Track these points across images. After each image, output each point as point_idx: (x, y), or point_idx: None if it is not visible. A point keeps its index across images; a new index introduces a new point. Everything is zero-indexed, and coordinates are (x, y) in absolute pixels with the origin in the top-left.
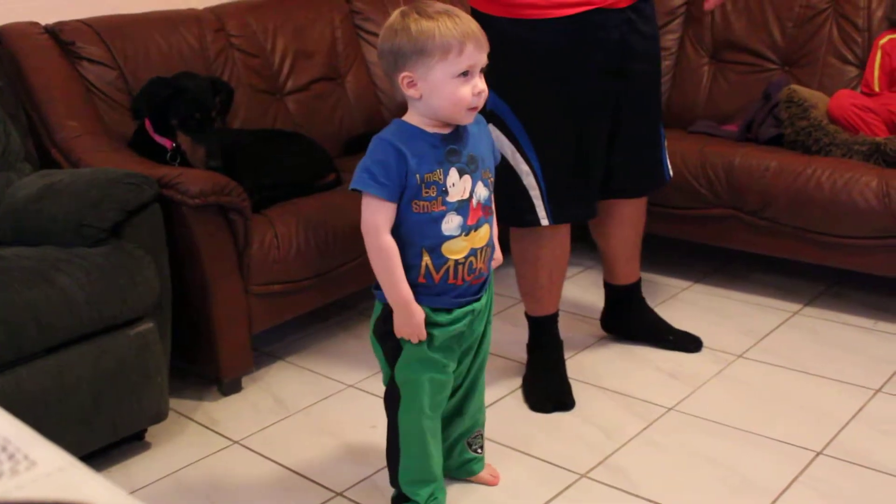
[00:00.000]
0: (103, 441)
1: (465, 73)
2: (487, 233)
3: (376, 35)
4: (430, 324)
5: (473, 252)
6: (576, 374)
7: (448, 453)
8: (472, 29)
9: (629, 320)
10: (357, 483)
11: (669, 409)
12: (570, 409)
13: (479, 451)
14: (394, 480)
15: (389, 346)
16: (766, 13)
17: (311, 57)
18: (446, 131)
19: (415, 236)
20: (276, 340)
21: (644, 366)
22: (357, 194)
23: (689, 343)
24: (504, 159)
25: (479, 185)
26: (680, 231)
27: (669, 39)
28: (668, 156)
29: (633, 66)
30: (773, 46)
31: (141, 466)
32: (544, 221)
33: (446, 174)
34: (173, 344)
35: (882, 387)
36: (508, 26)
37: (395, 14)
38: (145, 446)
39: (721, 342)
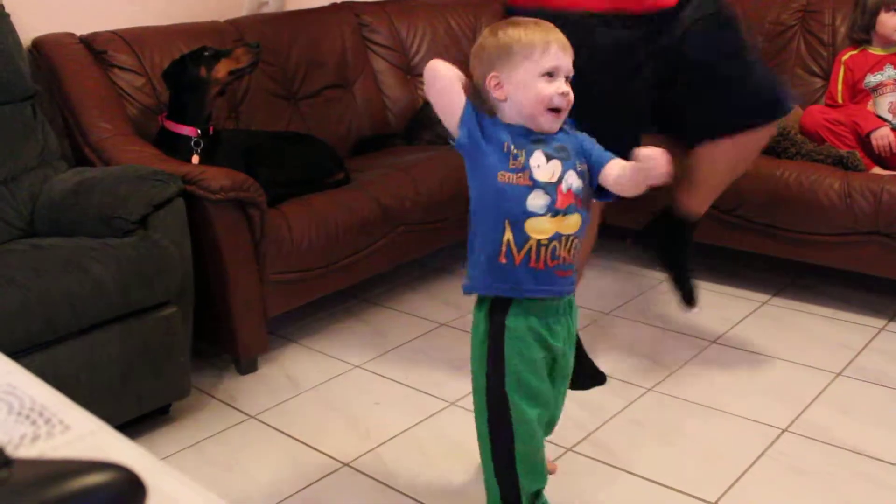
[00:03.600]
0: (131, 414)
1: (549, 74)
2: (578, 223)
3: (383, 46)
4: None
5: (558, 236)
6: None
7: None
8: (557, 33)
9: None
10: (362, 455)
11: (648, 389)
12: (605, 383)
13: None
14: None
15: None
16: None
17: (322, 65)
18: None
19: (500, 206)
20: (289, 324)
21: (626, 350)
22: (359, 196)
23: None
24: None
25: (571, 172)
26: None
27: None
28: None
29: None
30: None
31: (165, 438)
32: None
33: (530, 155)
34: (195, 327)
35: (842, 370)
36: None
37: (487, 31)
38: (169, 420)
39: (696, 329)
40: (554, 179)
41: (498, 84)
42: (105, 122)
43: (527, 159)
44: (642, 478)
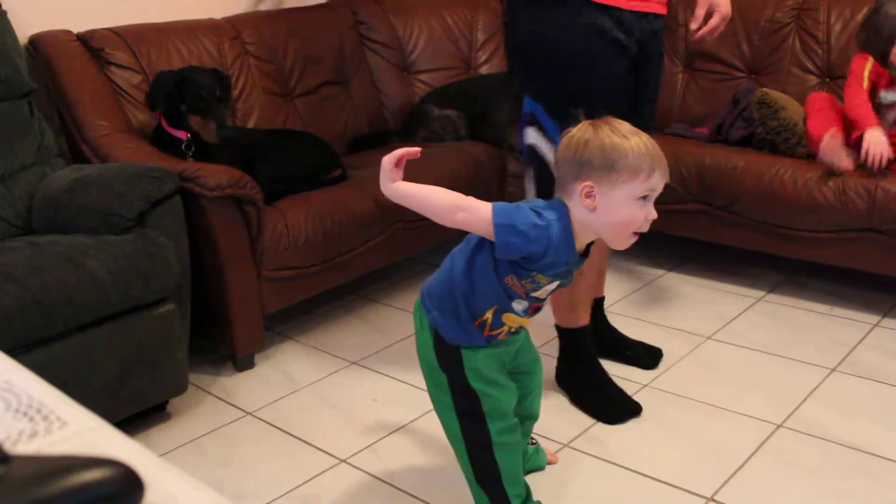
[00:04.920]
0: (128, 411)
1: (643, 197)
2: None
3: (379, 43)
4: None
5: (522, 326)
6: None
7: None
8: (661, 155)
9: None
10: (359, 451)
11: (644, 385)
12: (641, 413)
13: (534, 441)
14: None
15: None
16: (735, 26)
17: (319, 63)
18: (582, 250)
19: (492, 294)
20: (286, 321)
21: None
22: (355, 193)
23: (646, 358)
24: (547, 165)
25: (557, 283)
26: (655, 224)
27: None
28: None
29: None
30: (742, 57)
31: (162, 434)
32: None
33: (549, 283)
34: (192, 324)
35: (837, 366)
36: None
37: (586, 124)
38: (166, 416)
39: (692, 325)
40: (544, 296)
41: (590, 194)
42: (102, 120)
43: (538, 286)
44: (638, 473)
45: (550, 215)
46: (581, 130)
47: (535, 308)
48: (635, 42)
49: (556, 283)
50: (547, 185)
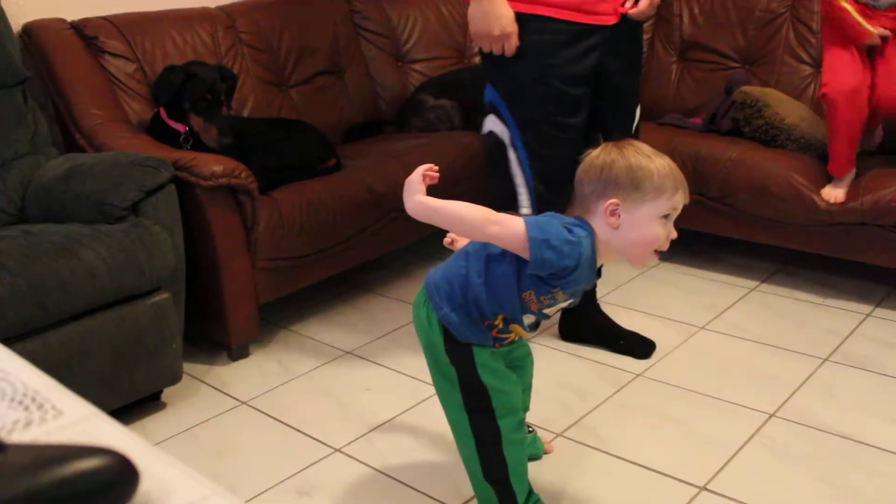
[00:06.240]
0: (123, 400)
1: (665, 216)
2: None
3: (374, 33)
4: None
5: (521, 338)
6: (556, 344)
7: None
8: (682, 176)
9: (581, 325)
10: (354, 440)
11: (638, 375)
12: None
13: (531, 429)
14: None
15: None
16: (729, 16)
17: (314, 52)
18: (600, 266)
19: (507, 304)
20: (281, 310)
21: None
22: (350, 182)
23: (639, 347)
24: (504, 144)
25: (570, 301)
26: None
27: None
28: None
29: (611, 78)
30: (736, 47)
31: (157, 424)
32: (525, 207)
33: (564, 301)
34: (187, 313)
35: (829, 356)
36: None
37: (609, 146)
38: (161, 406)
39: (686, 315)
40: (551, 314)
41: (615, 212)
42: (96, 109)
43: (554, 303)
44: (631, 462)
45: (580, 232)
46: (605, 151)
47: (538, 325)
48: (594, 58)
49: (569, 301)
50: (503, 176)
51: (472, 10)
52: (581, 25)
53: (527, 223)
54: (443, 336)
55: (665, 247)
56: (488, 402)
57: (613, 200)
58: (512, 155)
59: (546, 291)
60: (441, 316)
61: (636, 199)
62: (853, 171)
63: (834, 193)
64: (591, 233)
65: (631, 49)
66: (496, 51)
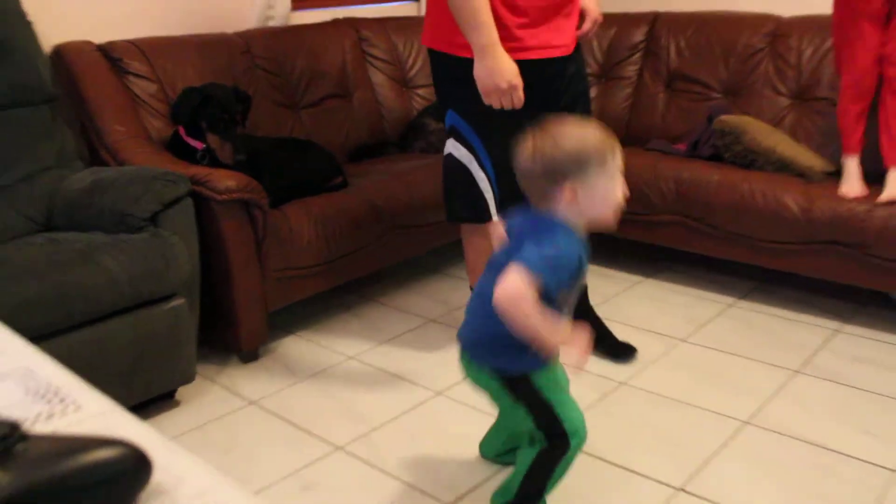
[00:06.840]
0: (139, 398)
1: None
2: None
3: (381, 59)
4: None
5: None
6: None
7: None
8: (610, 133)
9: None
10: (356, 439)
11: (621, 383)
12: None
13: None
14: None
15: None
16: (713, 50)
17: (324, 77)
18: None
19: (558, 298)
20: (289, 317)
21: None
22: (356, 199)
23: (621, 352)
24: (464, 166)
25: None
26: (635, 233)
27: (630, 70)
28: None
29: (568, 99)
30: (719, 79)
31: (171, 421)
32: (496, 218)
33: (578, 285)
34: (201, 318)
35: (801, 368)
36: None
37: (535, 137)
38: (175, 404)
39: (667, 328)
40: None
41: (573, 196)
42: (119, 125)
43: (571, 292)
44: (613, 464)
45: (556, 234)
46: (535, 145)
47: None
48: (541, 87)
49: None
50: (464, 197)
51: (478, 70)
52: (538, 60)
53: (525, 267)
54: (501, 383)
55: (622, 203)
56: (559, 424)
57: (568, 184)
58: (476, 167)
59: (567, 286)
60: (491, 368)
61: (587, 176)
62: (858, 163)
63: (852, 190)
64: (563, 223)
65: (580, 58)
66: (506, 105)
